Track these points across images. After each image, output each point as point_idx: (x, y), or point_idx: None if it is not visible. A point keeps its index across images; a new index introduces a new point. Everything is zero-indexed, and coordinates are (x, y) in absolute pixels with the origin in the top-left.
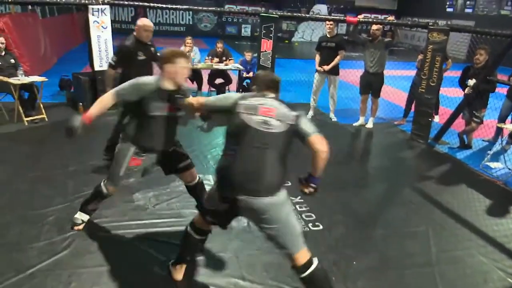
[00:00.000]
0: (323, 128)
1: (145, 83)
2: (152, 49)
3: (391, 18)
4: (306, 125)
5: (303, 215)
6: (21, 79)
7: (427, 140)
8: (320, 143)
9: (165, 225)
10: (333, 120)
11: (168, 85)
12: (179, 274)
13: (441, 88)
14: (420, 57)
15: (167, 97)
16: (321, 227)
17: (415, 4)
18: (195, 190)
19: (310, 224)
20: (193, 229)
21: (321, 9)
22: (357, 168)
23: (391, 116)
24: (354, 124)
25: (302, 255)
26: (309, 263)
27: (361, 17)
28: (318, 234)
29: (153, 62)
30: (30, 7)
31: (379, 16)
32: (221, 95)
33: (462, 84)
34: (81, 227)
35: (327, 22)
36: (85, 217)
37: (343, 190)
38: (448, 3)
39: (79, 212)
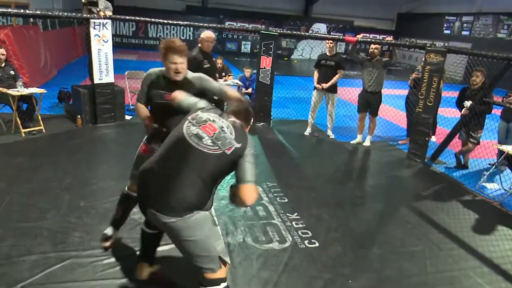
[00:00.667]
0: (321, 145)
1: (150, 72)
2: (214, 59)
3: (389, 38)
4: (248, 169)
5: (299, 232)
6: (20, 90)
7: (424, 160)
8: (248, 197)
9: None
10: (330, 137)
11: (168, 75)
12: (142, 272)
13: (439, 108)
14: (413, 75)
15: (164, 85)
16: (317, 244)
17: (413, 25)
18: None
19: (306, 241)
20: (144, 223)
21: (320, 28)
22: (354, 186)
23: (388, 134)
24: (351, 142)
25: (214, 275)
26: (218, 282)
27: (359, 36)
28: (314, 252)
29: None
30: (32, 19)
31: (378, 36)
32: (195, 100)
33: (459, 105)
34: (108, 243)
35: (328, 41)
36: (111, 231)
37: (339, 208)
38: (445, 25)
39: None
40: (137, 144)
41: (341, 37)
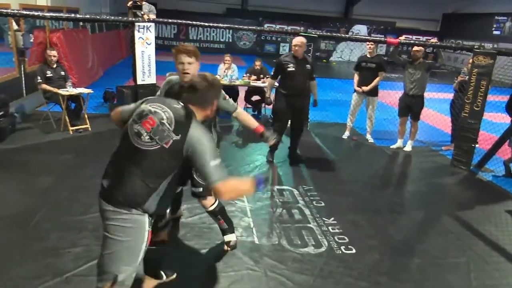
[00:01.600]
0: (359, 149)
1: (168, 80)
2: (308, 66)
3: (433, 40)
4: (207, 171)
5: (336, 237)
6: (70, 90)
7: (469, 167)
8: (222, 196)
9: (196, 238)
10: (370, 141)
11: (181, 81)
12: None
13: (484, 113)
14: (459, 78)
15: (177, 92)
16: (354, 251)
17: (459, 26)
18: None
19: (342, 247)
20: None
21: (360, 29)
22: (393, 192)
23: (431, 140)
24: (391, 147)
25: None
26: None
27: (402, 38)
28: (350, 258)
29: (305, 75)
30: (81, 23)
31: (421, 38)
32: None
33: (509, 110)
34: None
35: (368, 42)
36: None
37: (378, 214)
38: (495, 26)
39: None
40: None
41: (383, 39)
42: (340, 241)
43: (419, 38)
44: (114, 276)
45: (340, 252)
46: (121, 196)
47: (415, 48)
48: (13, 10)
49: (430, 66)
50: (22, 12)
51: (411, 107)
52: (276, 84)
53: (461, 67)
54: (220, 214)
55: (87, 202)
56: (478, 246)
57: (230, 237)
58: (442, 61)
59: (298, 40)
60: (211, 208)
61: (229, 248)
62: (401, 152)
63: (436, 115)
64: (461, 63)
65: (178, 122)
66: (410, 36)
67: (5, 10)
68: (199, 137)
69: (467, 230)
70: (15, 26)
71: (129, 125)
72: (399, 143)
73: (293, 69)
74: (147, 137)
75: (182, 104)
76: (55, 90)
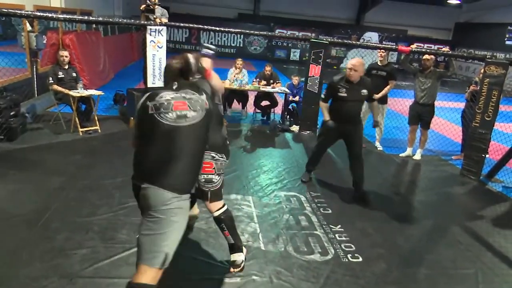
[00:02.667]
0: (368, 157)
1: None
2: (364, 91)
3: (445, 49)
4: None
5: (342, 245)
6: (80, 92)
7: (479, 177)
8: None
9: (203, 243)
10: (378, 149)
11: None
12: None
13: (495, 123)
14: (471, 88)
15: None
16: (360, 259)
17: (472, 35)
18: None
19: (349, 255)
20: None
21: (372, 36)
22: (401, 201)
23: (441, 149)
24: (400, 155)
25: (137, 273)
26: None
27: (413, 46)
28: (357, 267)
29: (359, 101)
30: (94, 25)
31: (432, 46)
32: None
33: None
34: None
35: (380, 50)
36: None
37: (386, 223)
38: (507, 36)
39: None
40: None
41: (394, 46)
42: (347, 249)
43: (430, 47)
44: (165, 254)
45: (347, 260)
46: (178, 183)
47: (425, 56)
48: (27, 11)
49: (441, 75)
50: (36, 13)
51: (421, 115)
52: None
53: (472, 77)
54: (225, 223)
55: (95, 203)
56: (487, 258)
57: (236, 256)
58: (454, 70)
59: (353, 62)
60: (216, 214)
61: (234, 270)
62: (410, 161)
63: (447, 124)
64: (472, 73)
65: (196, 91)
66: (422, 45)
67: (19, 11)
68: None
69: (476, 241)
70: (28, 27)
71: (159, 122)
72: (409, 151)
73: (345, 94)
74: (192, 111)
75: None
76: (66, 91)
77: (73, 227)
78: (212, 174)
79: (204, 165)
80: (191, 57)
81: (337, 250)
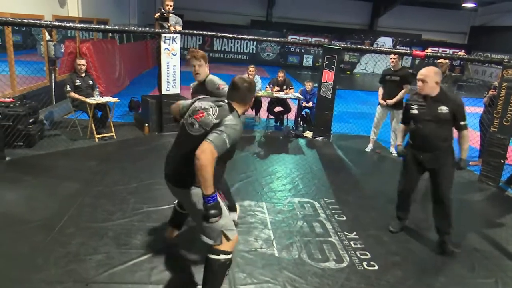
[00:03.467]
0: (383, 163)
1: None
2: (442, 108)
3: (461, 53)
4: (213, 133)
5: (357, 252)
6: (97, 99)
7: (498, 183)
8: (201, 150)
9: None
10: (394, 155)
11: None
12: (172, 234)
13: None
14: (490, 93)
15: (197, 87)
16: (376, 267)
17: (488, 39)
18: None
19: (364, 263)
20: (177, 204)
21: (385, 41)
22: (417, 208)
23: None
24: None
25: (220, 247)
26: (218, 253)
27: (428, 51)
28: (372, 275)
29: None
30: (110, 34)
31: (448, 50)
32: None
33: None
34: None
35: (391, 55)
36: None
37: (402, 231)
38: None
39: None
40: None
41: (408, 51)
42: (362, 256)
43: (446, 51)
44: (220, 233)
45: (362, 268)
46: (185, 177)
47: (440, 61)
48: (46, 21)
49: (456, 79)
50: (54, 23)
51: None
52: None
53: (489, 81)
54: None
55: (110, 209)
56: (507, 267)
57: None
58: (469, 74)
59: (422, 71)
60: None
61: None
62: None
63: None
64: (489, 77)
65: (221, 111)
66: (437, 49)
67: (38, 21)
68: (231, 122)
69: (495, 249)
70: (47, 37)
71: (185, 118)
72: None
73: (416, 112)
74: (197, 125)
75: (226, 101)
76: (83, 98)
77: (88, 232)
78: None
79: None
80: None
81: (352, 257)
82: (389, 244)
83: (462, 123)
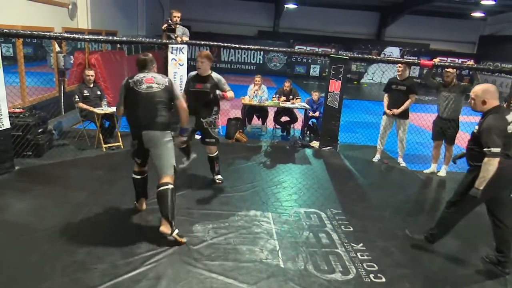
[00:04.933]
0: (390, 173)
1: (191, 73)
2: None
3: (470, 62)
4: (176, 91)
5: (364, 264)
6: (104, 109)
7: (509, 193)
8: (183, 106)
9: (220, 259)
10: (401, 165)
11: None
12: (142, 206)
13: None
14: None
15: (196, 79)
16: (383, 279)
17: (497, 48)
18: (212, 160)
19: (371, 275)
20: (135, 173)
21: (393, 51)
22: (426, 219)
23: (467, 165)
24: (424, 171)
25: (163, 179)
26: (164, 185)
27: (436, 60)
28: (379, 287)
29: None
30: (118, 45)
31: (456, 60)
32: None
33: None
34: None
35: (398, 64)
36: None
37: (409, 241)
38: None
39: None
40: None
41: (416, 60)
42: (369, 268)
43: (454, 61)
44: (172, 167)
45: (369, 280)
46: (160, 124)
47: (446, 70)
48: (55, 33)
49: (465, 88)
50: (63, 35)
51: (445, 130)
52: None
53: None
54: (217, 159)
55: (116, 218)
56: None
57: (219, 177)
58: (478, 83)
59: (474, 89)
60: (214, 155)
61: (219, 182)
62: (434, 177)
63: None
64: (499, 86)
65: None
66: (445, 59)
67: (48, 33)
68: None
69: (508, 263)
70: (57, 48)
71: (134, 90)
72: (433, 167)
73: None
74: (155, 85)
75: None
76: (91, 108)
77: (94, 241)
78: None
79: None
80: (150, 55)
81: (359, 269)
82: (397, 256)
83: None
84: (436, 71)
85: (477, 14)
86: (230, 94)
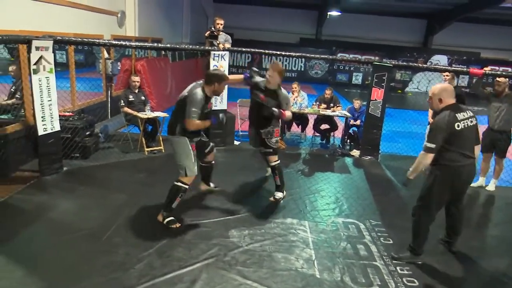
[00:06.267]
0: None
1: (257, 80)
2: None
3: None
4: (189, 107)
5: (404, 279)
6: (148, 114)
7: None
8: (188, 125)
9: (255, 266)
10: None
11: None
12: (203, 186)
13: None
14: None
15: (261, 89)
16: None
17: None
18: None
19: None
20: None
21: (440, 59)
22: (473, 235)
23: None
24: (472, 185)
25: (181, 178)
26: (178, 181)
27: (487, 69)
28: None
29: None
30: (163, 52)
31: (509, 69)
32: None
33: None
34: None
35: (444, 73)
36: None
37: (453, 258)
38: None
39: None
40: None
41: (465, 69)
42: (409, 283)
43: (507, 70)
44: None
45: None
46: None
47: (498, 80)
48: (104, 40)
49: None
50: (111, 41)
51: (496, 143)
52: None
53: None
54: (277, 171)
55: (154, 221)
56: None
57: (278, 194)
58: None
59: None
60: (273, 164)
61: (273, 200)
62: (482, 191)
63: None
64: None
65: (190, 87)
66: (497, 68)
67: (97, 40)
68: (194, 95)
69: None
70: (106, 55)
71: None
72: (481, 181)
73: None
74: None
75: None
76: (135, 113)
77: (133, 243)
78: (277, 137)
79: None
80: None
81: (398, 284)
82: (440, 273)
83: None
84: (486, 80)
85: None
86: (288, 113)
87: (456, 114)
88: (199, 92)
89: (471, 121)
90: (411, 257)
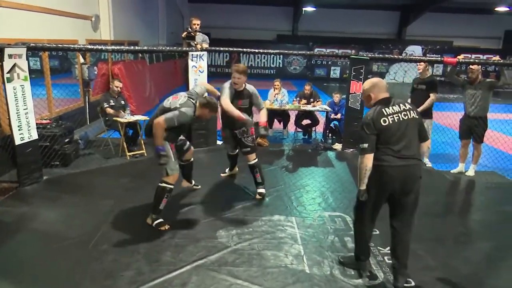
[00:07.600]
0: None
1: (225, 85)
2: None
3: (496, 58)
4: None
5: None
6: (128, 118)
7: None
8: (157, 119)
9: (245, 265)
10: (427, 165)
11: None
12: (184, 184)
13: None
14: None
15: (233, 93)
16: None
17: None
18: (251, 169)
19: None
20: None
21: (415, 50)
22: (456, 220)
23: (497, 164)
24: (452, 171)
25: (164, 178)
26: (162, 182)
27: (460, 57)
28: None
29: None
30: (140, 54)
31: (481, 56)
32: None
33: None
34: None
35: (418, 63)
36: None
37: (439, 244)
38: None
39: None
40: (227, 166)
41: (439, 58)
42: None
43: (479, 57)
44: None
45: None
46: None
47: (470, 67)
48: (79, 45)
49: (491, 85)
50: (87, 46)
51: (473, 129)
52: None
53: None
54: (258, 168)
55: (140, 225)
56: None
57: (262, 190)
58: (506, 80)
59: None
60: (252, 162)
61: (259, 197)
62: (463, 177)
63: (502, 137)
64: None
65: (185, 102)
66: (470, 55)
67: (72, 46)
68: (185, 110)
69: None
70: (81, 60)
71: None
72: (461, 167)
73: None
74: (169, 103)
75: (194, 101)
76: (115, 117)
77: (120, 249)
78: (252, 135)
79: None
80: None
81: (387, 274)
82: (426, 259)
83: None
84: (460, 68)
85: (502, 9)
86: (263, 113)
87: (384, 109)
88: (189, 112)
89: (405, 115)
90: (354, 263)
